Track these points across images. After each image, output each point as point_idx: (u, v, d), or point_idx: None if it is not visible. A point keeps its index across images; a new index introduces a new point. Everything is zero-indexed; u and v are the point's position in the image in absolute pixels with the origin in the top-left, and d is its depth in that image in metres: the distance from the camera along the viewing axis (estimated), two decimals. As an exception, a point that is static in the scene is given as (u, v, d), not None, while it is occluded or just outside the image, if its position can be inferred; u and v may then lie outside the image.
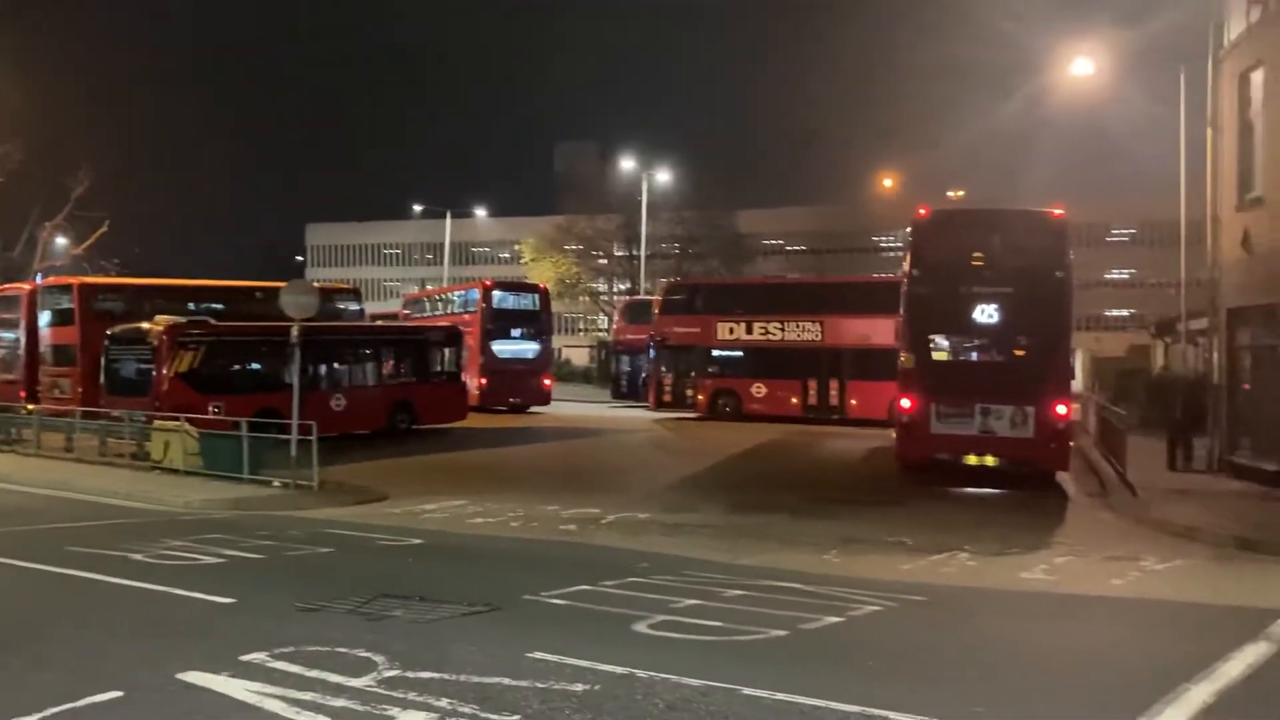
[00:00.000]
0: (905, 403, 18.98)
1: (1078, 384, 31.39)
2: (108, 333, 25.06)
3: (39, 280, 36.82)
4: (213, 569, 10.75)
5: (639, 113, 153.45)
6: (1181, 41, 22.98)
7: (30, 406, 26.78)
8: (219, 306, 30.07)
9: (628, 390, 42.50)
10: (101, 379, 24.81)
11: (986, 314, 18.77)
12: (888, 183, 57.08)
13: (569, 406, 40.56)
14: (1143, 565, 11.77)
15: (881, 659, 7.42)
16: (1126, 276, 75.15)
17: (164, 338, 23.57)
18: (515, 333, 37.71)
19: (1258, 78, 18.45)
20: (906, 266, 19.81)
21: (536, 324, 38.70)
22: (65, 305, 29.31)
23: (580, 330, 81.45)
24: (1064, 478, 19.29)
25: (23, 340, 30.77)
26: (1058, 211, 18.90)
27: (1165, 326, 39.36)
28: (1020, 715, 5.69)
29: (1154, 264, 67.78)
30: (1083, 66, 25.63)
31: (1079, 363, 40.25)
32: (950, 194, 54.40)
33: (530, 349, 38.11)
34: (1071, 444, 19.45)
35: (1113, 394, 30.80)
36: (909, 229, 20.48)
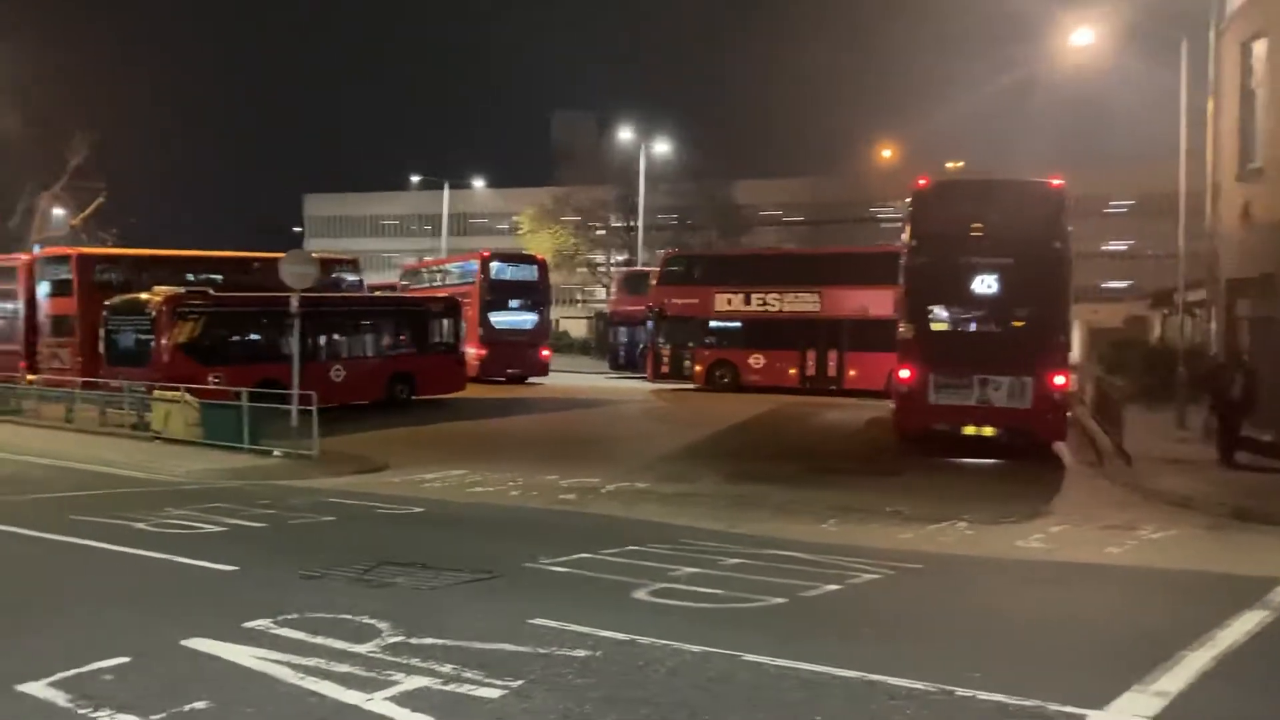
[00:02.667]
0: (904, 373, 19.02)
1: (1075, 355, 31.42)
2: (106, 303, 25.05)
3: (37, 251, 36.70)
4: (215, 537, 10.81)
5: (637, 83, 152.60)
6: (1183, 10, 22.86)
7: (30, 377, 26.80)
8: (217, 277, 29.96)
9: (625, 361, 42.55)
10: (101, 349, 24.83)
11: (985, 284, 18.78)
12: (887, 153, 56.99)
13: (567, 378, 40.61)
14: (1139, 534, 11.85)
15: (880, 626, 7.49)
16: (1124, 248, 74.98)
17: (163, 308, 23.57)
18: (513, 304, 37.71)
19: (1260, 48, 18.38)
20: (905, 237, 19.80)
21: (535, 295, 38.69)
22: (64, 276, 29.23)
23: (578, 301, 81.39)
24: (1061, 448, 19.37)
25: (21, 311, 30.72)
26: (1057, 182, 18.87)
27: (1163, 297, 39.39)
28: (1018, 681, 5.74)
29: (1152, 235, 67.56)
30: (1083, 36, 25.49)
31: (1076, 334, 40.29)
32: (949, 165, 54.28)
33: (529, 320, 38.13)
34: (1069, 414, 19.51)
35: (1109, 365, 30.87)
36: (908, 199, 20.45)
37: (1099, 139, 65.81)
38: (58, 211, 50.20)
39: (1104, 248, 73.45)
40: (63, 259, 30.27)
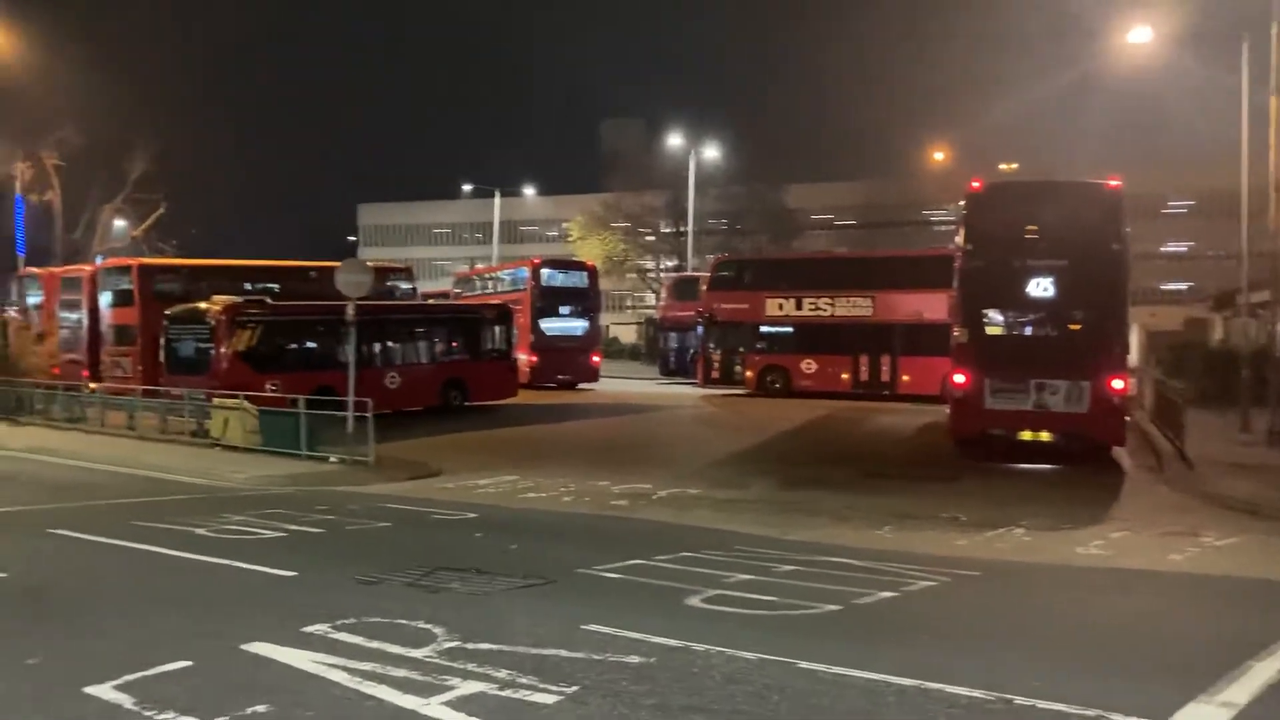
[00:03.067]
0: (958, 378, 18.81)
1: (1133, 358, 30.92)
2: (167, 313, 25.50)
3: (99, 262, 37.52)
4: (274, 543, 10.97)
5: (685, 89, 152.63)
6: (1245, 6, 22.39)
7: (93, 385, 27.37)
8: (275, 286, 30.44)
9: (676, 367, 42.53)
10: (161, 358, 25.30)
11: (1041, 287, 18.52)
12: (939, 156, 56.44)
13: (617, 383, 40.67)
14: (1202, 540, 11.60)
15: (937, 633, 7.41)
16: (1184, 249, 73.65)
17: (222, 317, 23.96)
18: (564, 310, 37.86)
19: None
20: (959, 240, 19.59)
21: (585, 301, 38.82)
22: (125, 286, 29.83)
23: (628, 307, 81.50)
24: (1119, 453, 19.04)
25: (85, 320, 31.43)
26: (1114, 183, 18.56)
27: (1224, 299, 38.63)
28: (1078, 690, 5.65)
29: (1212, 236, 66.29)
30: (1141, 34, 25.07)
31: (1134, 336, 39.63)
32: (1003, 166, 53.61)
33: (579, 326, 38.26)
34: (1127, 419, 19.17)
35: (1168, 368, 30.30)
36: (962, 202, 20.22)
37: (1157, 139, 64.55)
38: (119, 223, 51.27)
39: (1163, 249, 72.15)
40: (124, 269, 30.90)
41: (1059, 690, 5.67)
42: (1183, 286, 69.96)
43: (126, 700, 5.53)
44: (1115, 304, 18.44)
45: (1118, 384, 17.92)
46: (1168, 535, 12.00)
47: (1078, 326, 18.52)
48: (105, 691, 5.65)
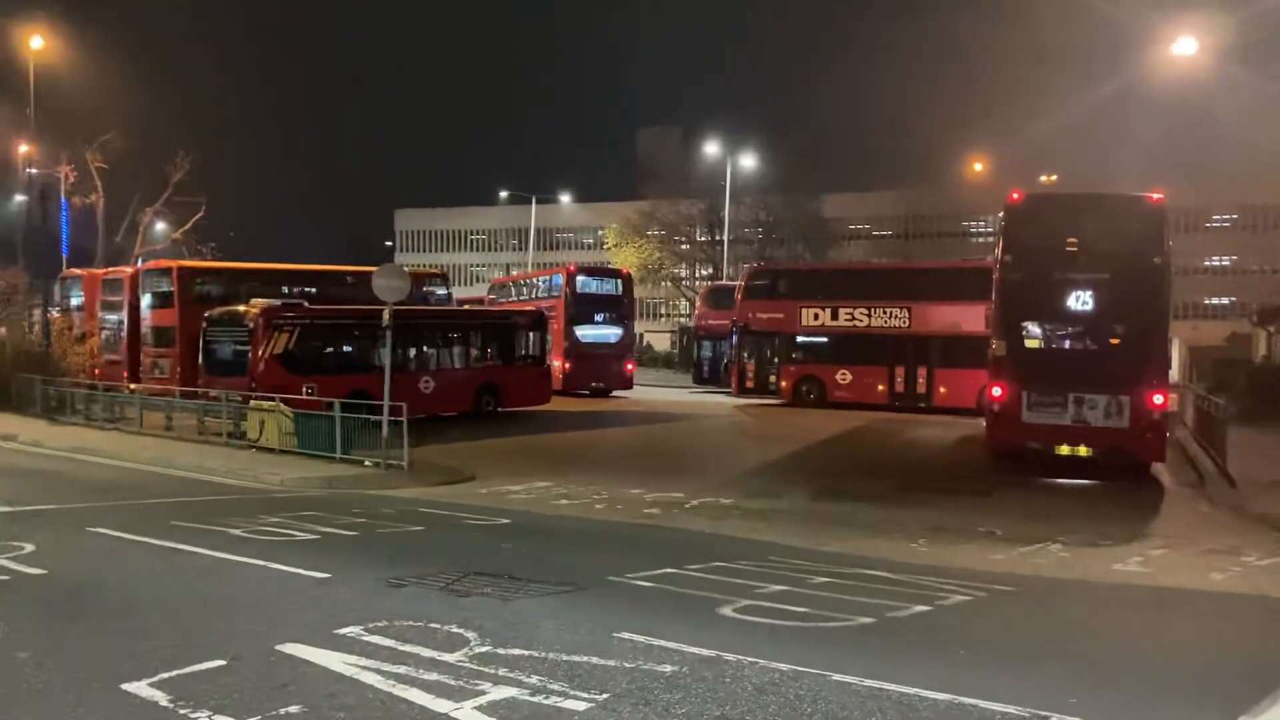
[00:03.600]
0: (996, 391, 18.65)
1: (1174, 373, 30.50)
2: (205, 315, 25.81)
3: (140, 264, 38.01)
4: (308, 544, 11.03)
5: (723, 97, 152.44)
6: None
7: (132, 386, 27.72)
8: (312, 290, 30.74)
9: (709, 376, 42.44)
10: (199, 359, 25.59)
11: (1081, 301, 18.34)
12: (978, 166, 56.00)
13: (651, 391, 40.66)
14: (1244, 560, 11.41)
15: (971, 649, 7.32)
16: (1227, 263, 72.75)
17: (259, 320, 24.18)
18: (598, 317, 37.89)
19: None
20: (998, 252, 19.42)
21: (619, 309, 38.83)
22: (165, 288, 30.21)
23: (662, 315, 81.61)
24: (1159, 469, 18.79)
25: (125, 322, 31.84)
26: (1156, 196, 18.35)
27: (1269, 314, 38.08)
28: (1116, 709, 5.57)
29: (1256, 250, 65.62)
30: (1185, 46, 24.78)
31: (1176, 352, 39.13)
32: (1043, 178, 53.20)
33: (613, 333, 38.27)
34: (1168, 435, 18.93)
35: (1211, 384, 29.90)
36: (1001, 213, 20.05)
37: (1201, 152, 63.91)
38: (160, 226, 51.92)
39: (1205, 263, 71.26)
40: (164, 271, 31.30)
41: (1096, 709, 5.59)
42: (1226, 301, 69.09)
43: (162, 697, 5.58)
44: (1156, 318, 18.21)
45: (1158, 399, 17.68)
46: (1209, 553, 11.81)
47: (1117, 341, 18.31)
48: (142, 689, 5.71)
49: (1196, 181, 63.81)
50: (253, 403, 21.29)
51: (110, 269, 37.20)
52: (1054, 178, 55.67)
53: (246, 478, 17.43)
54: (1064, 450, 18.38)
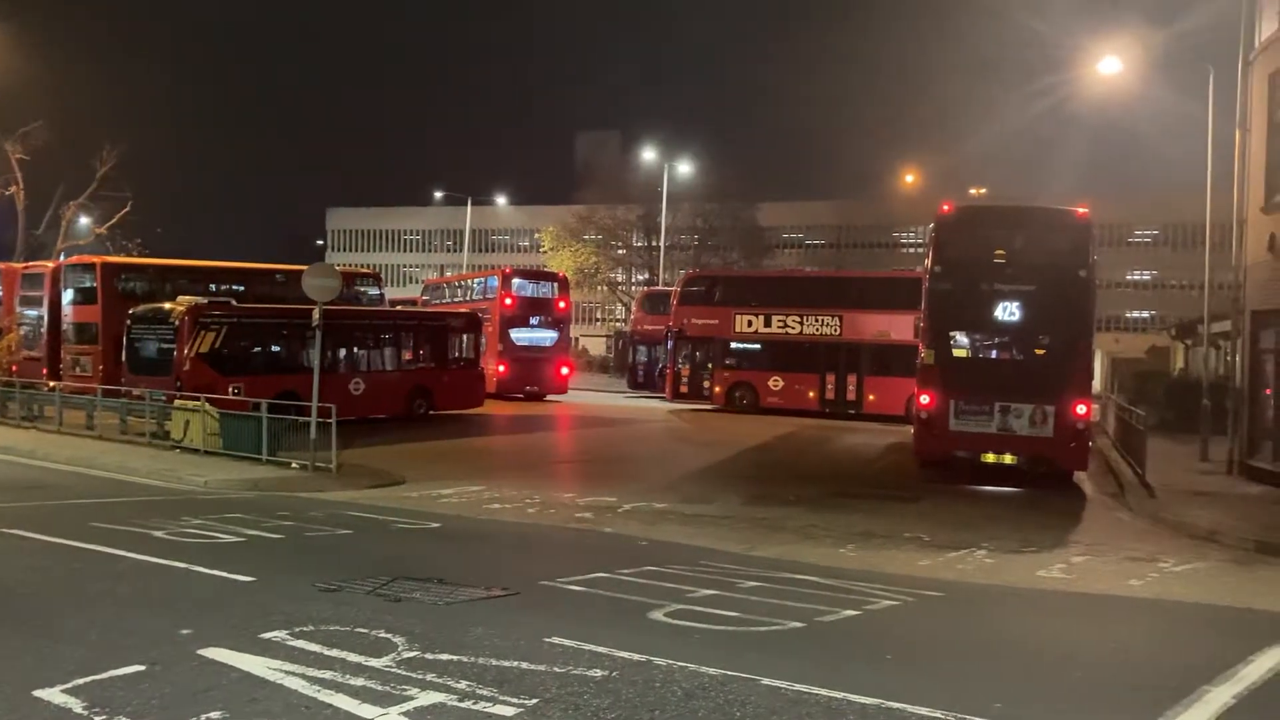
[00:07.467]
0: (924, 399, 18.92)
1: (1097, 384, 31.20)
2: (130, 312, 25.23)
3: (63, 259, 37.05)
4: (233, 548, 10.82)
5: (662, 105, 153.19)
6: (1211, 41, 22.80)
7: (52, 384, 26.99)
8: (240, 288, 30.24)
9: (644, 380, 42.53)
10: (123, 357, 25.00)
11: (1008, 312, 18.69)
12: (910, 178, 56.93)
13: (585, 395, 40.61)
14: (1161, 566, 11.72)
15: (899, 653, 7.40)
16: (1148, 278, 74.72)
17: (185, 318, 23.71)
18: (533, 320, 37.77)
19: (1288, 79, 18.26)
20: (928, 263, 19.73)
21: (555, 312, 38.76)
22: (88, 284, 29.50)
23: (598, 320, 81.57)
24: (1081, 478, 19.22)
25: (46, 318, 31.01)
26: (1082, 210, 18.78)
27: (1186, 329, 39.18)
28: (1038, 713, 5.66)
29: (1176, 266, 67.43)
30: (1110, 65, 25.41)
31: (1098, 363, 40.08)
32: (973, 191, 54.24)
33: (548, 337, 38.19)
34: (1090, 444, 19.37)
35: (1131, 395, 30.67)
36: (932, 225, 20.37)
37: (1124, 168, 65.62)
38: (84, 220, 50.63)
39: (1127, 277, 73.16)
40: (88, 267, 30.54)
41: (1018, 713, 5.69)
42: (1147, 315, 70.94)
43: (76, 704, 5.40)
44: (1081, 330, 18.64)
45: (1081, 409, 18.09)
46: (1128, 560, 12.10)
47: (1043, 351, 18.69)
48: (55, 695, 5.52)
49: (1121, 198, 65.47)
50: (177, 402, 20.86)
51: (30, 263, 36.21)
52: (983, 191, 56.78)
53: (170, 479, 17.06)
54: (990, 458, 18.73)
